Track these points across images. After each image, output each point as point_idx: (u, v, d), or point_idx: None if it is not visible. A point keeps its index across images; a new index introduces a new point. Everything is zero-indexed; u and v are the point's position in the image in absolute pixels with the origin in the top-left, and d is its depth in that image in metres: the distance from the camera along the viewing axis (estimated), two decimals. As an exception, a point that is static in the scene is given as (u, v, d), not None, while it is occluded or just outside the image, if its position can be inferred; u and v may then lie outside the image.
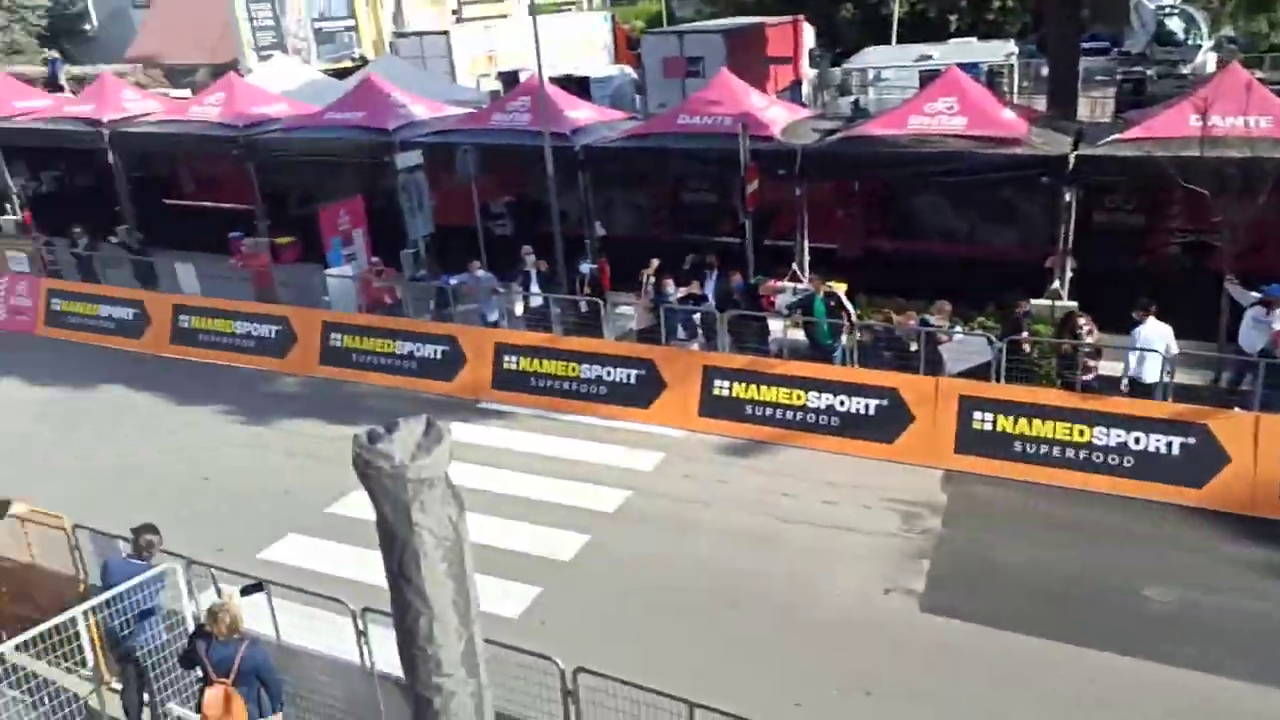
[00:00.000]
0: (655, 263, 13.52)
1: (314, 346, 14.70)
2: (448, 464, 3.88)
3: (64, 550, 7.94)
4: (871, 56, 27.56)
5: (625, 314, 14.59)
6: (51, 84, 31.13)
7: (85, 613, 6.77)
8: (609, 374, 12.83)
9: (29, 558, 8.27)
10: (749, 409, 11.96)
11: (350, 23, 34.77)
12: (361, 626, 6.55)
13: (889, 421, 11.20)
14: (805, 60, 28.88)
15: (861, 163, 14.91)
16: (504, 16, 37.02)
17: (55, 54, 36.40)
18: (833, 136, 15.36)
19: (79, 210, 20.29)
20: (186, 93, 28.33)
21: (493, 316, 14.34)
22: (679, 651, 8.00)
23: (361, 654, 6.64)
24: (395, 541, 3.93)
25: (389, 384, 13.94)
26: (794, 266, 14.84)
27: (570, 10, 39.99)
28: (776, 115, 16.39)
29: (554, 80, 18.72)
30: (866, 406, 11.34)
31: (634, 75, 29.42)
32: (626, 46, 37.00)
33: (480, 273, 14.39)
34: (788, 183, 14.87)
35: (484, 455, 11.41)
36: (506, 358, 13.44)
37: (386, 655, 6.52)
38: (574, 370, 13.01)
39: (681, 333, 13.06)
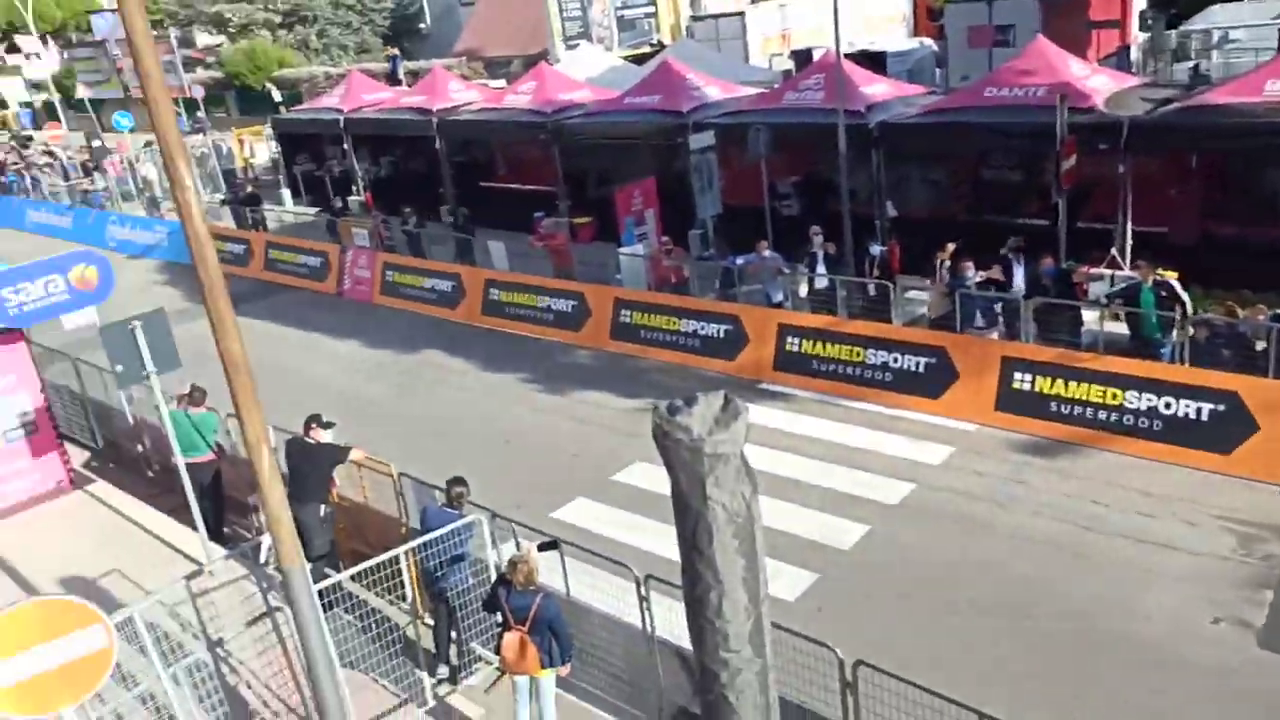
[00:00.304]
0: (951, 246, 12.78)
1: (606, 321, 15.40)
2: (744, 441, 3.86)
3: (390, 495, 8.89)
4: (1218, 16, 24.30)
5: (915, 299, 13.95)
6: (392, 78, 34.92)
7: (406, 553, 7.54)
8: (896, 360, 12.34)
9: (363, 499, 9.36)
10: (1054, 406, 11.01)
11: (650, 10, 35.90)
12: (644, 593, 6.77)
13: (1226, 429, 9.85)
14: (1135, 23, 26.00)
15: (1202, 135, 13.19)
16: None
17: (395, 51, 40.76)
18: (1168, 107, 13.70)
19: (410, 192, 22.68)
20: (502, 82, 30.65)
21: (777, 297, 14.26)
22: (962, 656, 7.55)
23: (643, 619, 6.86)
24: (689, 513, 3.98)
25: (673, 360, 14.31)
26: (1113, 251, 13.44)
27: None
28: (1099, 84, 14.88)
29: (849, 56, 18.19)
30: (1199, 411, 10.04)
31: (934, 47, 27.98)
32: (927, 17, 35.18)
33: (766, 253, 14.35)
34: (1109, 158, 13.49)
35: (763, 436, 11.39)
36: (789, 339, 13.32)
37: (666, 622, 6.73)
38: (859, 355, 12.64)
39: (980, 320, 12.24)
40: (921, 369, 12.08)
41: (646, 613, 6.87)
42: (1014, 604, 8.22)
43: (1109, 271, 12.82)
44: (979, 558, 8.96)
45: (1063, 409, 10.92)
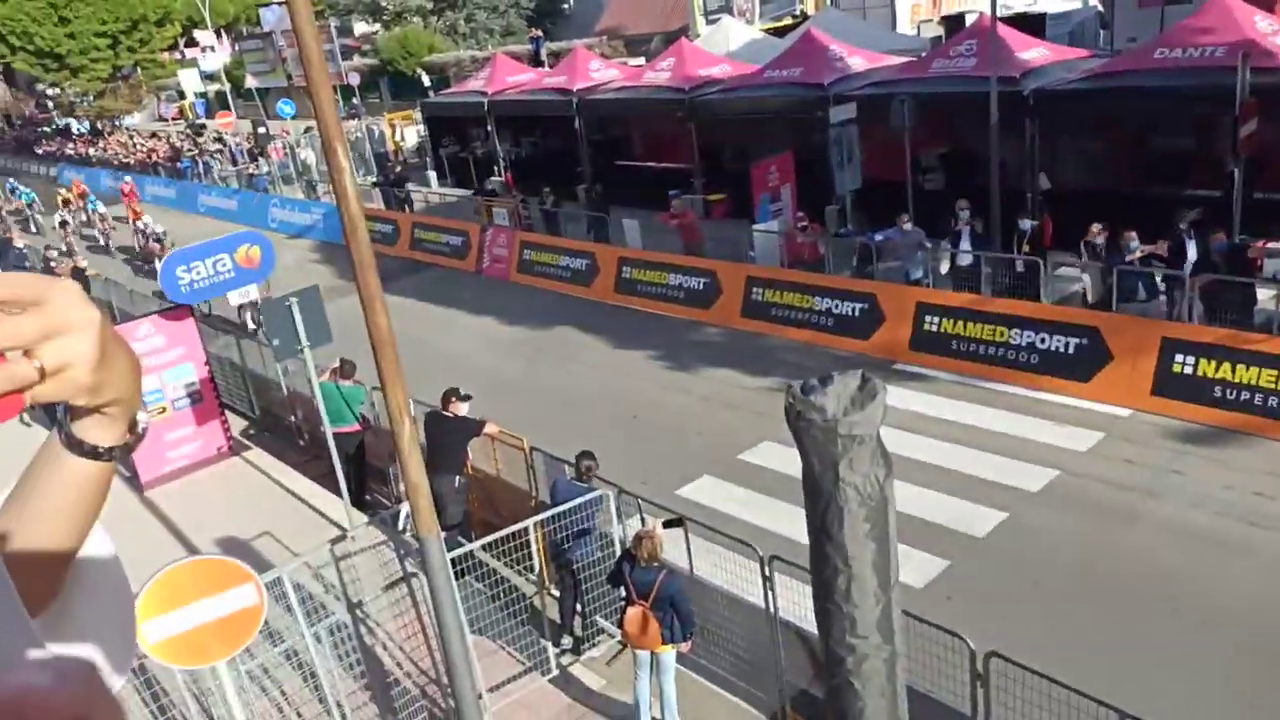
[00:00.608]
0: (1096, 227, 11.99)
1: (737, 299, 15.26)
2: (880, 422, 3.73)
3: (521, 468, 9.12)
4: None
5: (1066, 276, 13.18)
6: (534, 60, 35.54)
7: (535, 525, 7.71)
8: (1043, 341, 11.70)
9: (495, 471, 9.64)
10: (1218, 391, 10.19)
11: (793, -20, 35.11)
12: (768, 573, 6.69)
13: None
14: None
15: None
16: (950, -42, 34.92)
17: (538, 33, 41.44)
18: (1366, 63, 12.37)
19: (549, 172, 23.06)
20: (642, 60, 30.70)
21: (917, 274, 13.75)
22: (1100, 653, 7.11)
23: (766, 599, 6.79)
24: (820, 495, 3.89)
25: (805, 339, 14.05)
26: (1295, 225, 12.30)
27: (1025, -57, 36.50)
28: (1286, 41, 13.58)
29: (1004, 20, 17.27)
30: (1388, 401, 9.10)
31: (1099, 8, 26.23)
32: (1091, -23, 33.04)
33: (907, 226, 13.84)
34: (1295, 123, 12.30)
35: (898, 419, 11.00)
36: (928, 318, 12.84)
37: (789, 604, 6.64)
38: (1003, 335, 12.05)
39: (1142, 292, 11.42)
40: (1071, 350, 11.42)
41: (770, 593, 6.79)
42: (1160, 599, 7.69)
43: (1290, 246, 11.75)
44: (1124, 550, 8.42)
45: (1228, 394, 10.10)
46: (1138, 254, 11.47)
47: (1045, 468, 9.85)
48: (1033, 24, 21.30)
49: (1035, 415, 10.99)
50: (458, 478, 9.21)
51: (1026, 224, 13.23)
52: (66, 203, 29.71)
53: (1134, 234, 11.49)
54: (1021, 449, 10.28)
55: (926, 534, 8.87)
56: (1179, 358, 10.53)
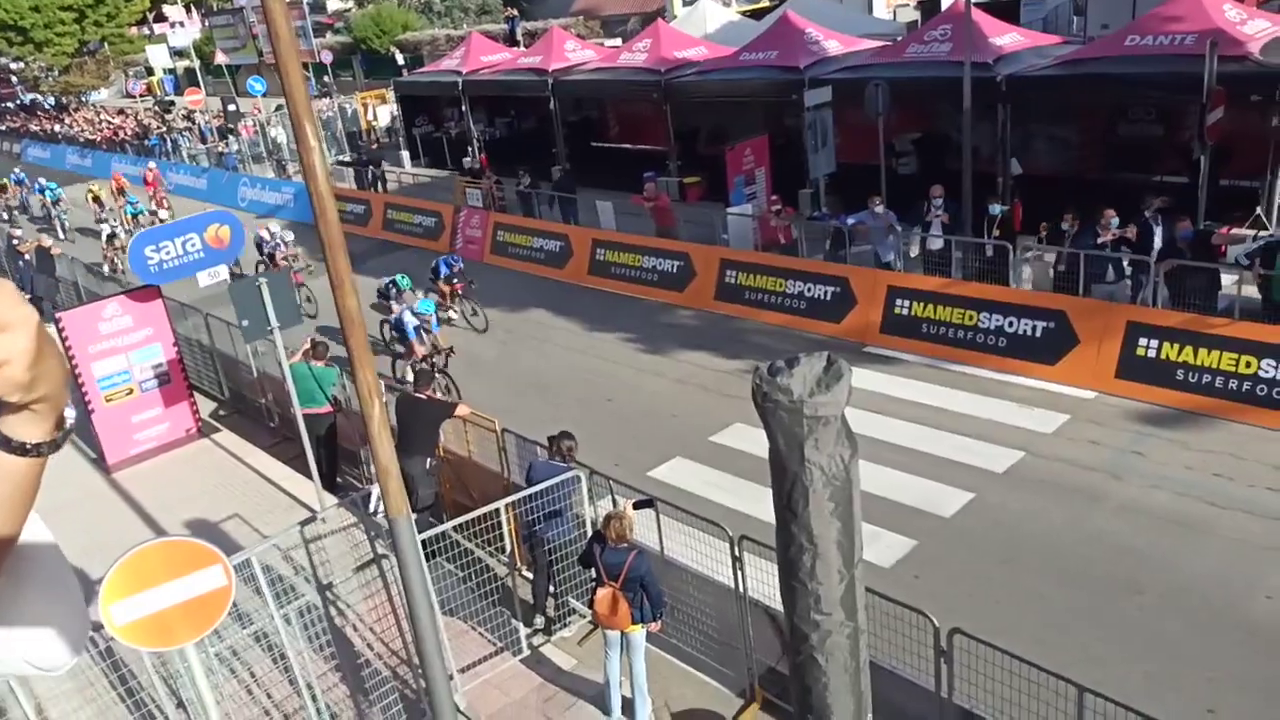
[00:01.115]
0: (1068, 217, 12.14)
1: (711, 282, 15.29)
2: (845, 404, 3.78)
3: (493, 450, 9.12)
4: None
5: (1041, 262, 13.31)
6: (510, 39, 35.26)
7: (506, 506, 7.73)
8: (1011, 324, 11.84)
9: (467, 453, 9.63)
10: (1180, 374, 10.38)
11: (769, -38, 34.97)
12: (737, 553, 6.75)
13: (1376, 405, 9.09)
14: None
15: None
16: (926, -59, 34.95)
17: (514, 12, 41.09)
18: (1330, 52, 12.55)
19: (524, 152, 22.91)
20: (618, 41, 30.53)
21: (888, 257, 13.85)
22: (1065, 631, 7.27)
23: (736, 579, 6.85)
24: (786, 475, 3.94)
25: (778, 322, 14.11)
26: (1258, 211, 12.51)
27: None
28: (1256, 30, 13.75)
29: (979, 5, 17.33)
30: (1345, 384, 9.29)
31: (1072, -6, 26.36)
32: (1064, -37, 33.19)
33: (879, 209, 13.92)
34: (1262, 111, 12.48)
35: (868, 400, 11.14)
36: (899, 301, 12.94)
37: (758, 584, 6.71)
38: (972, 318, 12.18)
39: (1111, 274, 11.56)
40: (1039, 333, 11.57)
41: (739, 573, 6.85)
42: (1123, 578, 7.85)
43: (1251, 232, 11.94)
44: (1088, 530, 8.57)
45: (1190, 377, 10.29)
46: (1111, 235, 11.60)
47: (1011, 449, 9.99)
48: (1007, 10, 21.40)
49: (1002, 398, 11.13)
50: (429, 460, 9.20)
51: (996, 208, 13.34)
52: (97, 199, 24.65)
53: (1113, 212, 11.62)
54: (989, 431, 10.41)
55: (894, 514, 8.98)
56: (1143, 341, 10.70)
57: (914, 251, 13.83)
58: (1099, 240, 11.62)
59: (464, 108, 26.08)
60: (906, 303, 12.82)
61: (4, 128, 48.28)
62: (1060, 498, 9.10)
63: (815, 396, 3.73)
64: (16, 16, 47.76)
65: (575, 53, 24.14)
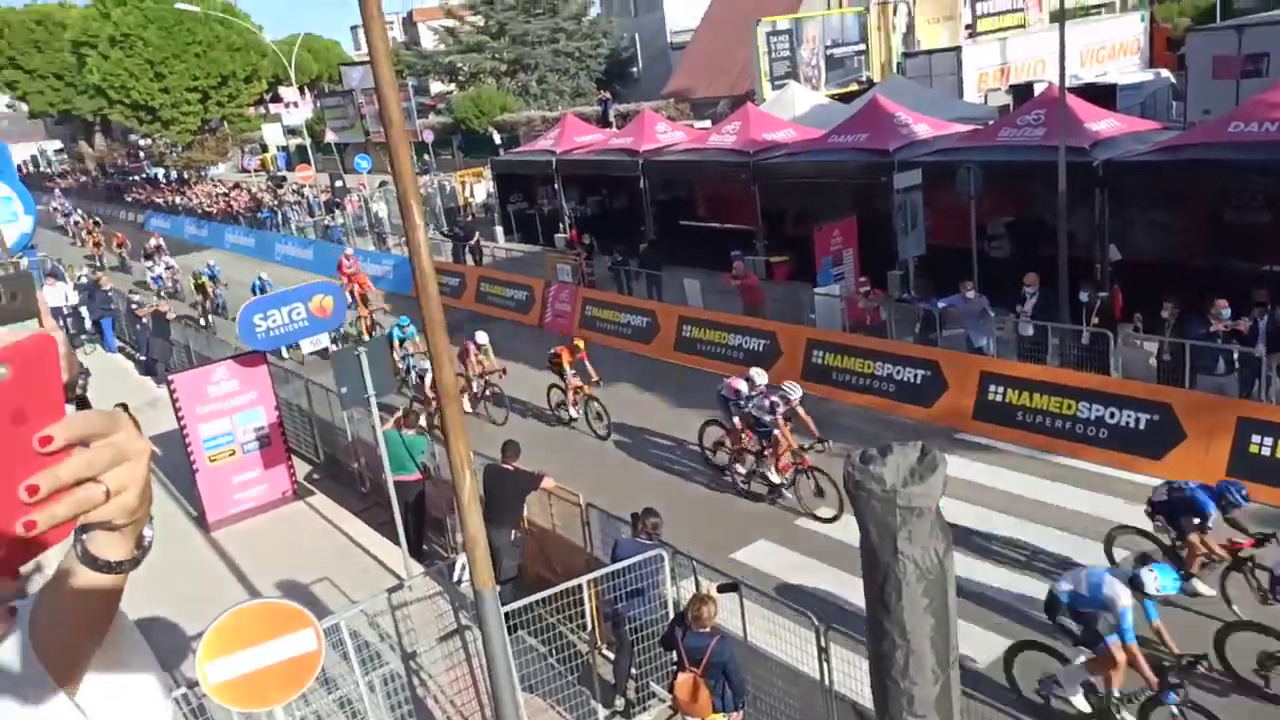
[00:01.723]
0: (1168, 306, 11.79)
1: (797, 362, 15.20)
2: (940, 495, 3.71)
3: (576, 523, 9.14)
4: None
5: (1139, 350, 12.89)
6: (603, 121, 36.36)
7: (589, 582, 7.71)
8: (1112, 415, 11.43)
9: (550, 526, 9.68)
10: (1300, 475, 9.83)
11: (860, 47, 35.49)
12: (824, 644, 6.58)
13: None
14: None
15: None
16: (1020, 27, 35.08)
17: (607, 95, 42.45)
18: None
19: (613, 230, 23.41)
20: (708, 123, 31.20)
21: (980, 342, 13.60)
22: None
23: (822, 670, 6.67)
24: (878, 567, 3.86)
25: (865, 404, 13.92)
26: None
27: (1099, 14, 36.54)
28: (1368, 117, 13.31)
29: (1074, 90, 17.24)
30: None
31: (1172, 79, 26.02)
32: (1165, 47, 32.87)
33: (970, 294, 13.73)
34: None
35: (961, 489, 10.84)
36: (992, 387, 12.65)
37: (845, 676, 6.51)
38: (1070, 408, 11.81)
39: (1221, 366, 11.11)
40: (1142, 426, 11.14)
41: (825, 664, 6.67)
42: (1242, 688, 7.34)
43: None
44: (1201, 636, 8.08)
45: (1311, 479, 9.73)
46: (1224, 326, 11.18)
47: (1116, 548, 9.54)
48: (1103, 94, 21.23)
49: (1104, 491, 10.69)
50: (514, 531, 9.27)
51: (1086, 295, 13.03)
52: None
53: (1224, 302, 11.23)
54: (1091, 526, 9.98)
55: (988, 610, 8.64)
56: (1256, 439, 10.19)
57: (1011, 337, 13.54)
58: (1210, 330, 11.22)
59: (557, 186, 26.86)
60: (1001, 389, 12.51)
61: (130, 199, 51.53)
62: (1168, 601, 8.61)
63: (909, 486, 3.66)
64: (148, 97, 51.40)
65: (666, 134, 24.73)
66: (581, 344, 14.66)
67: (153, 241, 31.35)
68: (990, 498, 10.76)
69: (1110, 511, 10.23)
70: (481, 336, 14.96)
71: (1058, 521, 10.16)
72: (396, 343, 15.73)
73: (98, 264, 32.61)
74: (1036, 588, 9.00)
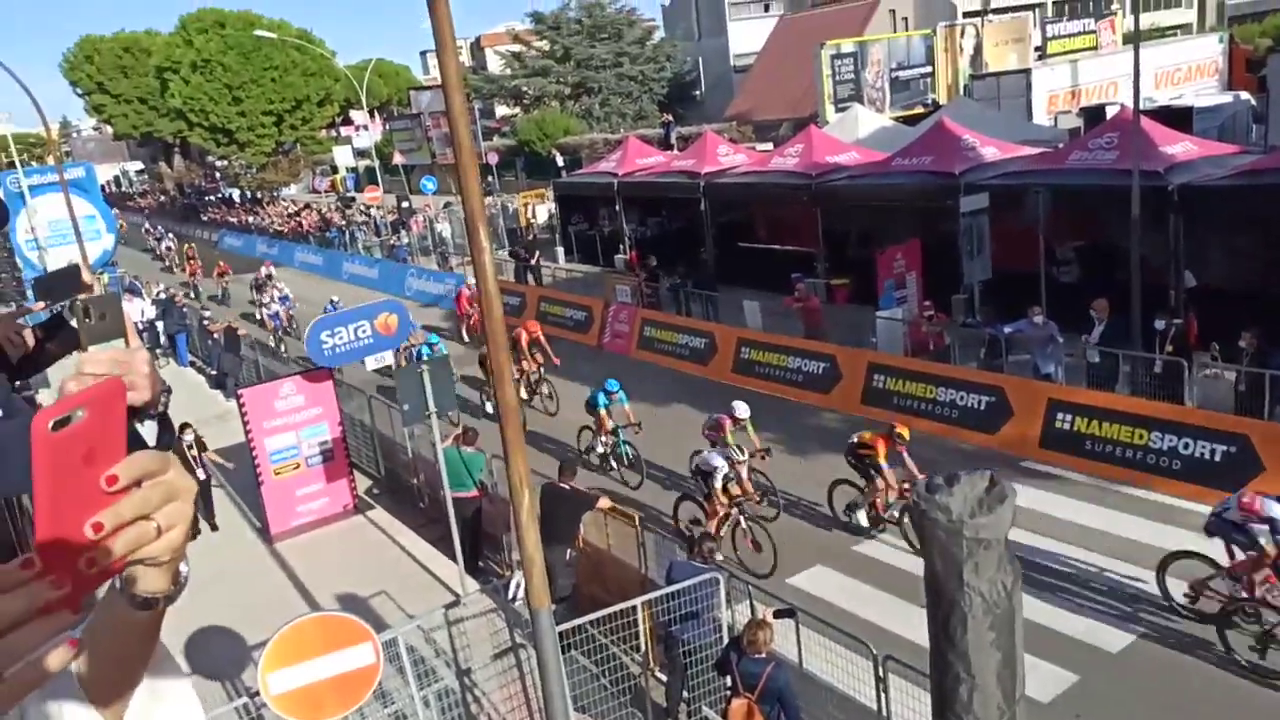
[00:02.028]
0: (1246, 335, 11.37)
1: (858, 386, 15.02)
2: (1009, 527, 3.62)
3: (632, 545, 9.12)
4: None
5: (1215, 379, 12.47)
6: (664, 143, 36.56)
7: (643, 604, 7.67)
8: (1186, 446, 11.05)
9: (606, 546, 9.67)
10: (1390, 513, 9.35)
11: (927, 70, 35.17)
12: (882, 674, 6.45)
13: None
14: None
15: None
16: (1092, 49, 34.43)
17: (669, 117, 42.69)
18: None
19: (673, 251, 23.47)
20: (770, 145, 31.17)
21: (1047, 369, 13.27)
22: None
23: (879, 701, 6.53)
24: (942, 599, 3.77)
25: (927, 430, 13.64)
26: None
27: (1174, 35, 35.74)
28: None
29: (1148, 113, 16.84)
30: None
31: (1252, 101, 25.26)
32: (1245, 69, 31.95)
33: (1038, 318, 13.43)
34: None
35: (1028, 520, 10.56)
36: (1060, 415, 12.33)
37: (902, 707, 6.36)
38: (1142, 438, 11.45)
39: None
40: (1218, 457, 10.74)
41: (883, 696, 6.53)
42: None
43: None
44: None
45: (1403, 518, 9.24)
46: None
47: (1187, 583, 9.19)
48: (1179, 117, 20.66)
49: (1178, 525, 10.31)
50: (569, 550, 9.28)
51: (1161, 323, 12.65)
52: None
53: None
54: (1160, 559, 9.63)
55: (1054, 644, 8.38)
56: (1342, 473, 9.76)
57: (1079, 363, 13.21)
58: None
59: (618, 207, 27.04)
60: (1069, 417, 12.19)
61: (206, 218, 53.30)
62: (1243, 641, 8.27)
63: (976, 518, 3.57)
64: (226, 120, 53.23)
65: (727, 156, 24.74)
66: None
67: (264, 270, 27.98)
68: (1057, 528, 10.46)
69: (1182, 544, 9.85)
70: (742, 410, 11.85)
71: (1128, 554, 9.82)
72: (603, 411, 13.86)
73: (192, 293, 31.87)
74: (1107, 623, 8.72)
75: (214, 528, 12.48)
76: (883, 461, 10.43)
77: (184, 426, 11.76)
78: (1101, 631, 8.63)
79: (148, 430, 1.64)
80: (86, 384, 1.43)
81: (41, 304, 2.74)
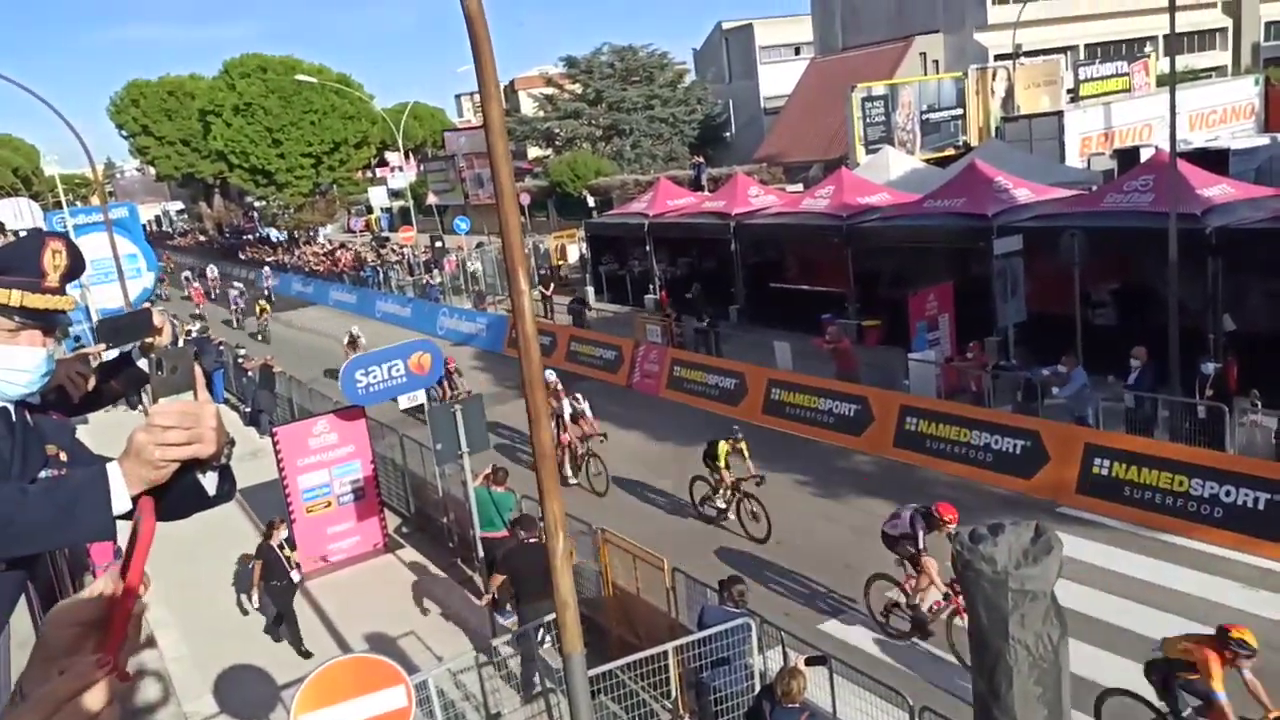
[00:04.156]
0: None
1: (890, 428, 14.88)
2: (1055, 579, 3.55)
3: (661, 588, 9.03)
4: None
5: (1258, 425, 12.21)
6: (695, 184, 36.82)
7: (674, 649, 7.58)
8: (1228, 494, 10.81)
9: (635, 590, 9.58)
10: None
11: (957, 112, 35.25)
12: (917, 726, 6.31)
13: None
14: None
15: None
16: (1125, 91, 34.35)
17: (700, 159, 43.03)
18: None
19: (703, 291, 23.51)
20: (800, 187, 31.30)
21: (1084, 413, 13.09)
22: None
23: (915, 754, 6.38)
24: (987, 651, 3.70)
25: (961, 474, 13.49)
26: None
27: (1209, 77, 35.60)
28: None
29: (1184, 155, 16.74)
30: None
31: (1288, 144, 25.03)
32: (1281, 111, 31.75)
33: (1073, 370, 13.27)
34: None
35: (1066, 567, 10.29)
36: (1097, 460, 12.12)
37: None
38: (1182, 484, 11.22)
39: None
40: (1261, 506, 10.49)
41: (919, 748, 6.39)
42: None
43: None
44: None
45: None
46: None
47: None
48: (1215, 160, 20.53)
49: (1220, 575, 10.07)
50: None
51: (1210, 367, 12.45)
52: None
53: None
54: (1206, 611, 9.37)
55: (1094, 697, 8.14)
56: (1393, 523, 9.49)
57: (1116, 407, 13.02)
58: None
59: (648, 248, 27.19)
60: (1106, 462, 11.99)
61: (244, 257, 54.25)
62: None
63: (1022, 569, 3.51)
64: (265, 162, 54.39)
65: (758, 197, 24.87)
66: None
67: (354, 329, 24.31)
68: (1096, 576, 10.24)
69: (1226, 595, 9.62)
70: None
71: (1170, 605, 9.58)
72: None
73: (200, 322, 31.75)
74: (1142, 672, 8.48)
75: (304, 654, 9.98)
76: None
77: (272, 525, 10.76)
78: (1146, 685, 8.38)
79: (209, 480, 1.67)
80: (155, 435, 1.48)
81: (102, 345, 2.78)
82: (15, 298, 1.89)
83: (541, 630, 9.16)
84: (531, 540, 9.27)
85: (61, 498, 1.64)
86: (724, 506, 12.78)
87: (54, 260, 1.93)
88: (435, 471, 12.95)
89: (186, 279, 43.76)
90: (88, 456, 2.09)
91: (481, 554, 10.06)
